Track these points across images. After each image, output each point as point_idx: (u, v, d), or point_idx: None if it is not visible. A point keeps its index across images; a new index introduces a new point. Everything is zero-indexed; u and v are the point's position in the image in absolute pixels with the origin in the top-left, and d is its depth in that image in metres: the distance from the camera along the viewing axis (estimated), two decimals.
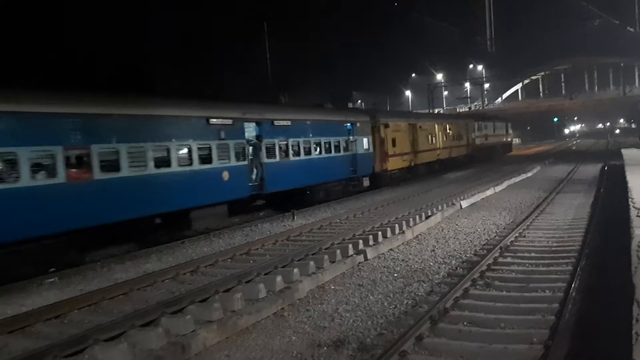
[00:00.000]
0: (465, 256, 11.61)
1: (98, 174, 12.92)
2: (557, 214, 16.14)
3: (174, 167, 15.06)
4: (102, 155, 13.05)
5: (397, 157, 29.22)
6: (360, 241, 12.68)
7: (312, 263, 10.71)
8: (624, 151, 37.39)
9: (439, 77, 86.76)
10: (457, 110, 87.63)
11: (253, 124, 18.80)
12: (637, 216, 11.52)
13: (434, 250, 12.40)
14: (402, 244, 13.31)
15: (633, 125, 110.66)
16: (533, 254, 11.18)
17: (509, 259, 10.86)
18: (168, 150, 14.93)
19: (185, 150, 15.58)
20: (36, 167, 11.72)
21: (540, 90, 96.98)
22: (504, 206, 18.58)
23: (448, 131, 37.89)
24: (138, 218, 13.89)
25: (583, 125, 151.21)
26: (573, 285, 8.38)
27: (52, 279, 11.42)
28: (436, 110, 76.22)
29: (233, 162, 17.21)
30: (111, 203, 13.17)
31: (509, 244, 12.11)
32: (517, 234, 13.09)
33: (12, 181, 11.14)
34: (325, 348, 6.98)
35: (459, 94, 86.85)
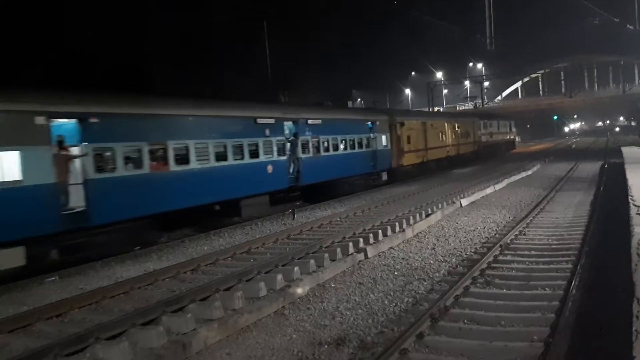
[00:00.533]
0: (466, 254, 11.62)
1: (173, 166, 15.03)
2: (557, 212, 16.15)
3: (230, 161, 17.14)
4: (175, 150, 15.13)
5: (412, 153, 31.07)
6: (361, 239, 12.68)
7: (312, 261, 10.72)
8: (624, 149, 37.40)
9: (439, 75, 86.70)
10: (457, 108, 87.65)
11: (290, 123, 20.70)
12: (637, 214, 11.53)
13: (434, 249, 12.41)
14: (403, 242, 13.32)
15: (633, 123, 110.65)
16: (533, 252, 11.20)
17: (509, 257, 10.88)
18: (225, 146, 16.97)
19: (238, 146, 17.58)
20: (128, 160, 13.71)
21: (540, 88, 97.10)
22: (504, 204, 18.59)
23: (456, 129, 39.56)
24: (203, 205, 16.01)
25: (583, 123, 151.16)
26: (573, 282, 8.40)
27: (53, 278, 11.43)
28: (436, 109, 76.19)
29: (275, 157, 19.27)
30: (183, 191, 15.21)
31: (509, 242, 12.13)
32: (517, 232, 13.11)
33: (110, 170, 13.24)
34: (326, 346, 7.00)
35: (459, 92, 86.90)
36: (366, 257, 11.78)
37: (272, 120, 19.38)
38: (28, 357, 6.54)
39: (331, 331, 7.53)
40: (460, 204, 18.67)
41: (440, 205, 18.11)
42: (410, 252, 12.28)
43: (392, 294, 9.09)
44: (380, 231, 13.56)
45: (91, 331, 7.24)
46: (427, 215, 16.14)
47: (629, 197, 13.84)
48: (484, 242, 12.66)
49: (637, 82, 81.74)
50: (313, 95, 49.19)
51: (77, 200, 12.57)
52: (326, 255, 11.23)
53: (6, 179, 10.97)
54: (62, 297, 9.68)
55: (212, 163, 16.38)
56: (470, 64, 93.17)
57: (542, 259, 10.54)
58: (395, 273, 10.49)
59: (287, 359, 6.74)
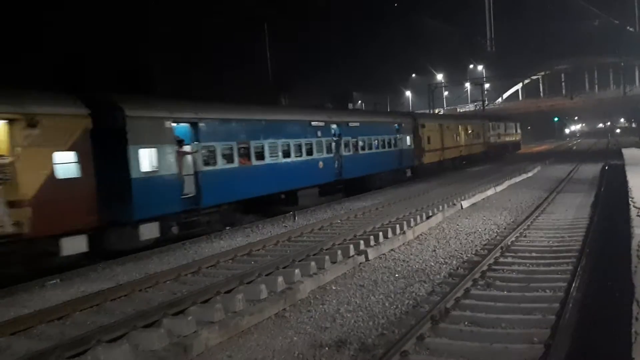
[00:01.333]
0: (466, 256, 11.64)
1: (254, 162, 18.11)
2: (557, 214, 16.17)
3: (292, 158, 20.33)
4: (255, 148, 18.22)
5: (431, 152, 34.02)
6: (362, 241, 12.70)
7: (313, 263, 10.74)
8: (625, 151, 37.40)
9: (440, 77, 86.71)
10: (458, 110, 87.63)
11: (335, 125, 23.74)
12: (638, 216, 11.56)
13: (435, 251, 12.43)
14: (403, 244, 13.34)
15: (634, 125, 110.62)
16: (534, 254, 11.21)
17: (509, 259, 10.89)
18: (288, 145, 20.11)
19: (298, 145, 20.71)
20: (224, 156, 16.74)
21: (541, 90, 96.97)
22: (504, 206, 18.60)
23: (468, 131, 42.52)
24: (274, 193, 19.29)
25: (584, 124, 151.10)
26: (573, 284, 8.41)
27: (55, 281, 11.46)
28: (437, 111, 76.22)
29: (325, 154, 22.57)
30: (260, 182, 18.25)
31: (509, 243, 12.14)
32: (518, 234, 13.12)
33: (211, 164, 16.19)
34: (326, 348, 7.01)
35: (460, 94, 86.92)
36: (367, 259, 11.79)
37: (322, 123, 22.69)
38: (30, 359, 6.56)
39: (332, 333, 7.54)
40: (461, 206, 18.68)
41: (441, 207, 18.13)
42: (411, 254, 12.29)
43: (392, 296, 9.10)
44: (380, 233, 13.58)
45: (93, 333, 7.27)
46: (428, 217, 16.16)
47: (630, 199, 13.86)
48: (485, 244, 12.67)
49: (637, 83, 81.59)
50: (314, 97, 49.16)
51: (189, 187, 15.56)
52: (327, 257, 11.25)
53: (148, 170, 14.02)
54: (63, 299, 9.71)
55: (280, 159, 19.60)
56: (471, 66, 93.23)
57: (543, 261, 10.56)
58: (396, 275, 10.50)
59: None
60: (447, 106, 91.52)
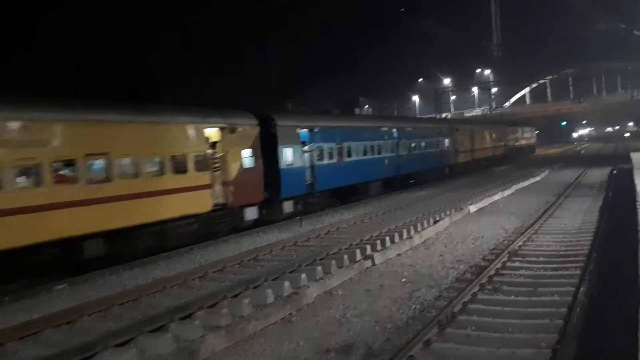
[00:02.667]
0: (474, 261, 11.59)
1: (346, 158, 23.15)
2: (565, 219, 16.09)
3: (368, 156, 25.09)
4: (346, 148, 23.18)
5: (463, 153, 38.48)
6: (368, 246, 12.69)
7: (319, 268, 10.75)
8: (633, 155, 37.13)
9: (446, 81, 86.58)
10: (465, 114, 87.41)
11: (395, 130, 28.48)
12: None
13: (442, 255, 12.39)
14: (410, 249, 13.31)
15: None
16: (541, 259, 11.17)
17: (517, 264, 10.85)
18: (365, 146, 24.86)
19: (371, 146, 25.47)
20: (329, 153, 21.90)
21: (548, 94, 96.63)
22: (512, 211, 18.53)
23: (493, 135, 47.21)
24: (356, 184, 24.28)
25: (591, 129, 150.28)
26: (581, 289, 8.37)
27: (62, 286, 11.50)
28: (444, 115, 76.14)
29: (388, 154, 27.06)
30: (349, 174, 23.23)
31: (517, 248, 12.09)
32: (525, 239, 13.07)
33: (321, 160, 21.28)
34: (333, 353, 7.01)
35: (467, 99, 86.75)
36: (373, 264, 11.76)
37: (387, 128, 27.83)
38: None
39: (338, 338, 7.53)
40: (469, 211, 18.62)
41: (448, 212, 18.07)
42: (418, 259, 12.26)
43: (399, 301, 9.08)
44: (387, 238, 13.56)
45: (100, 339, 7.30)
46: (435, 222, 16.11)
47: (637, 204, 13.77)
48: (492, 249, 12.63)
49: None
50: (320, 102, 49.23)
51: (308, 177, 20.60)
52: (333, 262, 11.26)
53: (288, 163, 19.11)
54: (71, 304, 9.73)
55: (360, 157, 24.31)
56: (478, 70, 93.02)
57: (550, 266, 10.52)
58: (403, 280, 10.48)
59: None
60: (454, 111, 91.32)
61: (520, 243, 12.60)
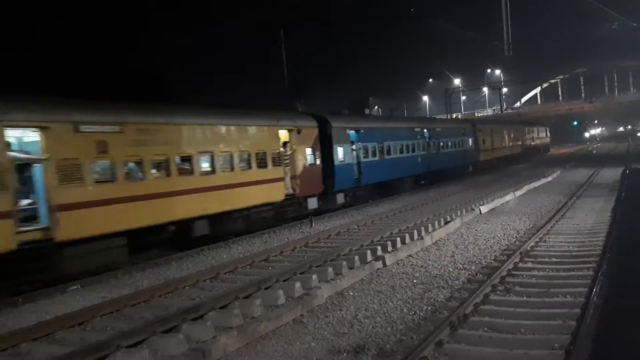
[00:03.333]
0: (485, 262, 11.55)
1: (385, 156, 25.93)
2: (577, 219, 15.98)
3: (404, 154, 27.90)
4: (386, 147, 25.96)
5: (485, 152, 41.25)
6: (379, 247, 12.66)
7: (330, 269, 10.74)
8: None
9: (457, 82, 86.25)
10: (476, 114, 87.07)
11: (426, 130, 31.34)
12: None
13: (453, 256, 12.35)
14: (421, 250, 13.28)
15: None
16: (554, 259, 11.10)
17: (529, 264, 10.79)
18: (402, 145, 27.70)
19: (406, 145, 28.23)
20: (372, 151, 24.66)
21: (560, 93, 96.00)
22: (523, 211, 18.43)
23: (511, 135, 50.32)
24: (395, 179, 27.09)
25: (603, 128, 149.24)
26: (594, 290, 8.30)
27: (75, 287, 11.59)
28: (454, 115, 75.87)
29: (420, 152, 29.91)
30: (388, 170, 26.08)
31: (529, 249, 12.02)
32: (537, 239, 12.99)
33: (365, 157, 24.05)
34: (344, 354, 7.00)
35: (477, 99, 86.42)
36: (384, 265, 11.75)
37: (419, 129, 30.85)
38: None
39: (350, 339, 7.53)
40: (480, 211, 18.55)
41: (459, 213, 18.01)
42: (429, 260, 12.23)
43: (411, 302, 9.06)
44: (398, 239, 13.53)
45: (113, 339, 7.33)
46: (446, 223, 16.06)
47: None
48: (504, 250, 12.57)
49: None
50: (329, 102, 49.26)
51: (356, 172, 23.28)
52: (344, 263, 11.25)
53: (340, 160, 22.07)
54: (84, 305, 9.82)
55: (397, 155, 27.13)
56: (489, 70, 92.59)
57: (563, 266, 10.45)
58: (414, 281, 10.46)
59: None
60: (464, 111, 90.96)
61: (532, 244, 12.53)
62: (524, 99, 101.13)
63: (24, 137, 12.39)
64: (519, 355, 6.37)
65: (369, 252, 12.12)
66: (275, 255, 13.29)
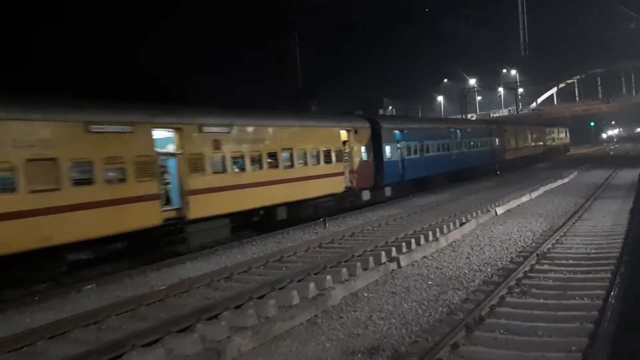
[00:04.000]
0: (501, 263, 11.44)
1: (425, 154, 28.45)
2: (594, 221, 15.79)
3: (440, 152, 30.53)
4: (425, 145, 28.52)
5: (510, 151, 43.78)
6: (393, 248, 12.60)
7: (344, 270, 10.71)
8: None
9: (472, 82, 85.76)
10: (491, 115, 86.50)
11: (459, 130, 34.17)
12: None
13: (468, 258, 12.26)
14: (436, 251, 13.19)
15: None
16: (571, 261, 10.97)
17: (546, 266, 10.67)
18: (438, 144, 30.26)
19: (441, 144, 30.89)
20: (413, 150, 27.22)
21: (576, 94, 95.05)
22: (540, 212, 18.25)
23: (534, 135, 52.86)
24: (432, 175, 29.45)
25: (620, 129, 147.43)
26: (612, 292, 8.19)
27: (90, 286, 11.68)
28: (469, 116, 75.48)
29: (454, 151, 32.50)
30: (426, 168, 28.43)
31: (545, 251, 11.90)
32: (554, 241, 12.85)
33: (408, 155, 26.51)
34: (359, 355, 6.97)
35: (492, 99, 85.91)
36: (399, 266, 11.69)
37: (453, 129, 33.44)
38: None
39: (364, 340, 7.49)
40: (495, 213, 18.40)
41: (474, 214, 17.88)
42: (444, 261, 12.15)
43: (425, 304, 9.00)
44: (413, 240, 13.45)
45: (128, 338, 7.37)
46: (462, 224, 15.94)
47: None
48: (520, 251, 12.45)
49: None
50: (343, 103, 49.23)
51: (400, 169, 25.71)
52: (358, 264, 11.21)
53: (388, 157, 24.51)
54: (99, 304, 9.86)
55: (435, 153, 29.59)
56: (504, 70, 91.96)
57: (580, 268, 10.32)
58: (429, 282, 10.39)
59: None
60: (480, 111, 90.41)
61: (549, 245, 12.40)
62: (540, 99, 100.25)
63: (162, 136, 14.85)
64: (536, 357, 6.30)
65: (383, 253, 12.07)
66: (289, 256, 13.29)
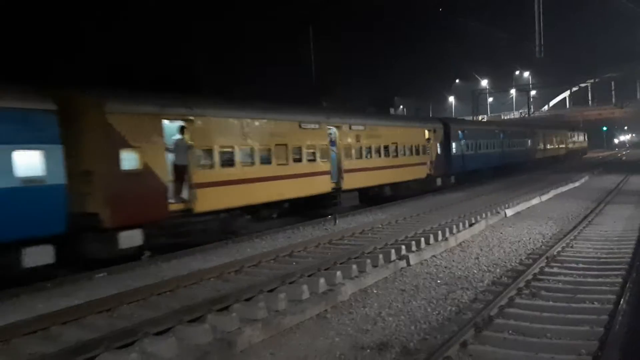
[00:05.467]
0: (510, 265, 11.46)
1: (478, 151, 33.36)
2: (606, 225, 15.74)
3: (488, 150, 35.48)
4: (479, 143, 33.63)
5: (540, 151, 49.53)
6: (403, 247, 12.63)
7: (354, 266, 10.76)
8: None
9: (484, 83, 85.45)
10: (502, 117, 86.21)
11: (502, 131, 39.49)
12: None
13: (478, 258, 12.27)
14: (445, 250, 13.21)
15: None
16: (581, 265, 10.95)
17: (555, 269, 10.67)
18: (487, 142, 35.49)
19: (490, 142, 36.18)
20: (471, 147, 32.36)
21: (589, 98, 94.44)
22: (550, 216, 18.21)
23: (558, 138, 58.45)
24: (485, 168, 34.62)
25: (634, 135, 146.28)
26: (623, 297, 8.19)
27: (102, 274, 11.80)
28: (480, 117, 75.27)
29: (496, 150, 37.10)
30: (479, 161, 33.48)
31: (555, 253, 11.89)
32: (564, 244, 12.83)
33: (467, 151, 31.49)
34: (368, 350, 7.03)
35: (504, 101, 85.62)
36: (408, 264, 11.73)
37: (497, 131, 38.94)
38: (80, 347, 6.79)
39: (373, 336, 7.55)
40: (505, 214, 18.38)
41: (484, 215, 17.87)
42: (454, 261, 12.18)
43: (434, 302, 9.04)
44: (422, 239, 13.48)
45: (140, 326, 7.47)
46: (471, 225, 15.94)
47: None
48: (530, 254, 12.45)
49: None
50: (355, 101, 49.22)
51: (461, 162, 30.73)
52: (368, 261, 11.25)
53: (454, 152, 29.94)
54: (111, 292, 9.98)
55: (484, 151, 34.73)
56: (517, 72, 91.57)
57: (591, 272, 10.32)
58: (438, 281, 10.42)
59: None
60: (491, 113, 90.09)
61: (559, 249, 12.38)
62: (552, 102, 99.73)
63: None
64: (546, 359, 6.33)
65: (393, 251, 12.11)
66: (299, 251, 13.35)
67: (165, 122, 13.87)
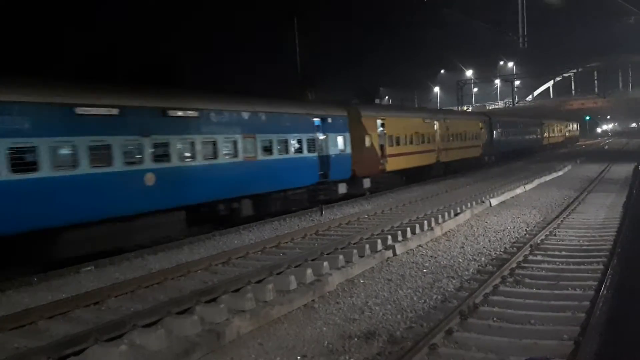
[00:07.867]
0: (495, 253, 11.61)
1: (508, 138, 45.71)
2: (588, 213, 15.98)
3: (514, 137, 47.08)
4: (507, 132, 45.74)
5: (545, 139, 60.52)
6: (389, 237, 12.74)
7: (341, 257, 10.85)
8: None
9: (469, 73, 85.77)
10: (487, 107, 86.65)
11: (521, 123, 49.75)
12: None
13: (463, 247, 12.42)
14: (431, 240, 13.35)
15: None
16: (564, 253, 11.14)
17: (539, 257, 10.84)
18: (513, 130, 47.49)
19: (514, 130, 47.36)
20: (501, 134, 44.47)
21: (572, 88, 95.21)
22: (534, 205, 18.44)
23: (558, 127, 68.99)
24: (510, 150, 45.83)
25: (616, 124, 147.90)
26: (604, 283, 8.35)
27: (89, 268, 11.78)
28: (465, 108, 75.60)
29: (518, 137, 47.73)
30: (506, 145, 44.81)
31: (539, 242, 12.06)
32: (547, 233, 13.03)
33: (499, 137, 43.53)
34: (355, 339, 7.11)
35: (489, 91, 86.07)
36: (394, 254, 11.85)
37: (518, 122, 49.31)
38: (69, 341, 6.79)
39: (360, 325, 7.64)
40: (490, 204, 18.58)
41: (469, 204, 18.04)
42: (439, 250, 12.31)
43: (420, 291, 9.16)
44: (408, 229, 13.59)
45: (128, 318, 7.49)
46: (456, 214, 16.10)
47: None
48: (514, 242, 12.62)
49: None
50: (339, 92, 49.24)
51: (497, 145, 42.01)
52: (355, 251, 11.33)
53: (494, 137, 41.59)
54: (98, 285, 9.99)
55: (512, 137, 46.28)
56: (501, 63, 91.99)
57: (573, 260, 10.49)
58: (424, 270, 10.55)
59: (317, 350, 6.87)
60: (475, 103, 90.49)
61: (543, 237, 12.56)
62: (536, 93, 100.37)
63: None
64: (529, 344, 6.45)
65: (379, 241, 12.21)
66: (286, 242, 13.42)
67: (378, 121, 24.77)
